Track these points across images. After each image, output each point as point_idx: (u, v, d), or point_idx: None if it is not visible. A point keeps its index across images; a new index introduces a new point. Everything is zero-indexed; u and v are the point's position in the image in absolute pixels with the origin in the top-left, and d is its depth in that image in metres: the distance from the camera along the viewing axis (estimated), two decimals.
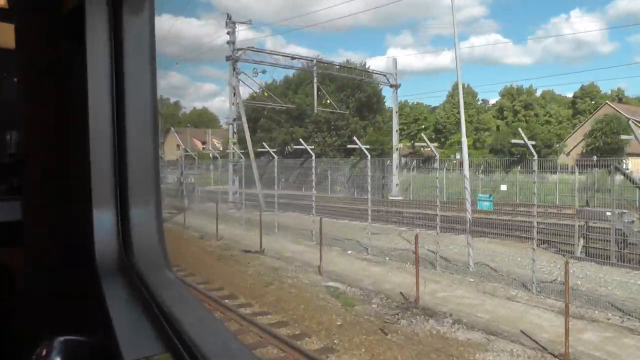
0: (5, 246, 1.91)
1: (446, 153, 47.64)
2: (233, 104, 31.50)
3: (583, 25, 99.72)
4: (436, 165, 17.40)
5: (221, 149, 56.40)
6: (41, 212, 1.76)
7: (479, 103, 66.10)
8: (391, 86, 36.38)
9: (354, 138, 21.19)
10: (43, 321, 1.58)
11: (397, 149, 35.45)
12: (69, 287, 1.59)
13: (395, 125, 35.89)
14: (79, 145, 1.46)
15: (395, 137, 35.73)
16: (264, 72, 32.15)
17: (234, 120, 31.82)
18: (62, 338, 1.08)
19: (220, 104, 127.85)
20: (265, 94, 38.94)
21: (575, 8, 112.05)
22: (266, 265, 14.44)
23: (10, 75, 2.56)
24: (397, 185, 33.63)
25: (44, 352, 1.04)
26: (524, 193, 26.95)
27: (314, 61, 35.35)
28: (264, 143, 26.83)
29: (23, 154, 1.89)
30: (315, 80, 34.48)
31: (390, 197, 31.36)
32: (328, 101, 37.24)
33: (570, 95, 67.40)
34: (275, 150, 26.88)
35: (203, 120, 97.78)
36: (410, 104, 66.53)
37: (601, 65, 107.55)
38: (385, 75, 37.20)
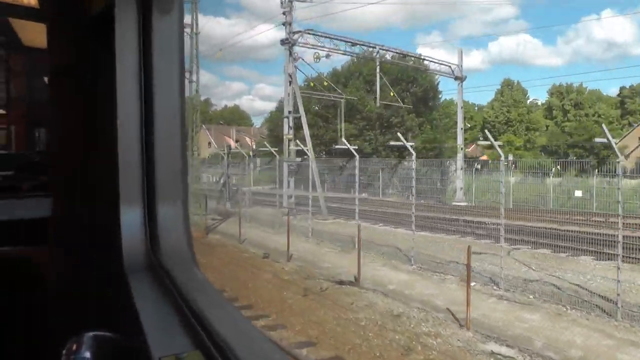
0: (33, 243, 1.94)
1: (495, 154, 43.44)
2: (289, 94, 27.54)
3: (615, 26, 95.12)
4: (498, 167, 16.13)
5: (254, 147, 55.49)
6: (69, 209, 1.78)
7: (528, 101, 62.86)
8: (456, 78, 32.25)
9: (398, 134, 19.43)
10: (71, 318, 1.59)
11: (461, 149, 31.83)
12: (97, 285, 1.61)
13: (460, 122, 32.25)
14: (107, 144, 1.48)
15: (460, 135, 32.10)
16: (327, 56, 27.70)
17: (290, 112, 27.76)
18: (91, 333, 1.09)
19: (248, 103, 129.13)
20: (325, 83, 34.19)
21: (606, 8, 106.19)
22: (378, 309, 10.15)
23: (40, 75, 2.60)
24: (461, 189, 30.07)
25: (74, 347, 1.05)
26: (601, 200, 23.24)
27: (376, 48, 30.68)
28: (297, 141, 24.72)
29: (51, 151, 1.84)
30: (378, 70, 29.85)
31: (453, 203, 28.03)
32: (392, 94, 32.97)
33: (612, 94, 64.12)
34: (321, 149, 26.41)
35: (234, 117, 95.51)
36: (455, 102, 63.47)
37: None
38: (449, 66, 32.44)
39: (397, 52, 32.35)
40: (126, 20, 1.41)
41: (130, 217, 1.42)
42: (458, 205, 26.53)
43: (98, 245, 1.62)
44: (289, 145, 26.88)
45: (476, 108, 66.91)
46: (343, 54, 29.73)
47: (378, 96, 30.52)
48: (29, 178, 2.41)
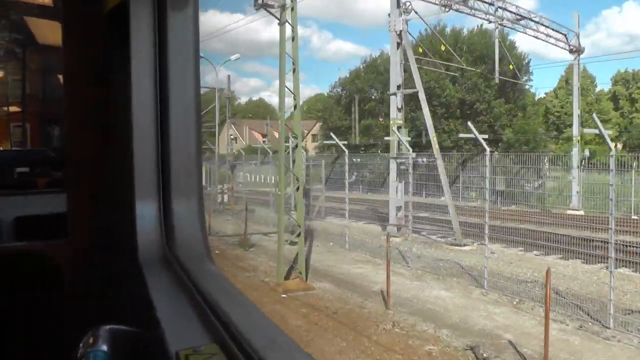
0: (50, 238, 1.96)
1: (562, 148, 35.22)
2: (401, 62, 18.53)
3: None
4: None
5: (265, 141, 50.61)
6: (84, 204, 1.79)
7: (597, 89, 52.76)
8: (571, 51, 24.55)
9: (468, 124, 14.29)
10: (88, 312, 1.61)
11: (577, 142, 24.30)
12: (113, 279, 1.62)
13: (577, 108, 24.66)
14: (122, 140, 1.49)
15: (576, 123, 24.51)
16: (447, 9, 19.13)
17: (398, 87, 18.75)
18: (108, 327, 1.09)
19: (267, 99, 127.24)
20: (442, 47, 25.78)
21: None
22: None
23: (55, 72, 2.62)
24: (577, 193, 22.19)
25: (91, 341, 1.06)
26: None
27: (499, 10, 21.63)
28: (341, 136, 21.46)
29: (67, 148, 1.86)
30: (497, 35, 22.83)
31: (568, 211, 20.48)
32: (511, 66, 25.95)
33: None
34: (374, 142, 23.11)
35: (260, 112, 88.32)
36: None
37: None
38: (565, 35, 24.05)
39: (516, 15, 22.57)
40: (141, 15, 1.42)
41: (146, 212, 1.43)
42: (573, 215, 19.10)
43: (114, 239, 1.63)
44: (398, 134, 17.80)
45: (536, 96, 54.68)
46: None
47: (497, 70, 23.02)
48: (45, 174, 2.44)
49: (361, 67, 43.59)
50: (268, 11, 14.04)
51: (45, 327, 1.84)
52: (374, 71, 40.21)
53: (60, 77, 2.58)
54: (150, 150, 1.43)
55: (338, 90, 46.57)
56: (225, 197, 28.52)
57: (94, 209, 1.76)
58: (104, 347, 1.05)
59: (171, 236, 1.42)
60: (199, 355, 0.89)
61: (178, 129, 1.42)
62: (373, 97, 42.12)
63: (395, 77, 18.97)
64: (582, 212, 20.23)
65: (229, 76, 32.73)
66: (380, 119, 33.22)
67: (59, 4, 2.14)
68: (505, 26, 23.17)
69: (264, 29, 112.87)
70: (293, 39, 13.24)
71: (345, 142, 19.93)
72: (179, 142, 1.43)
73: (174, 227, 1.42)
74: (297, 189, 13.21)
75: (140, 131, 1.42)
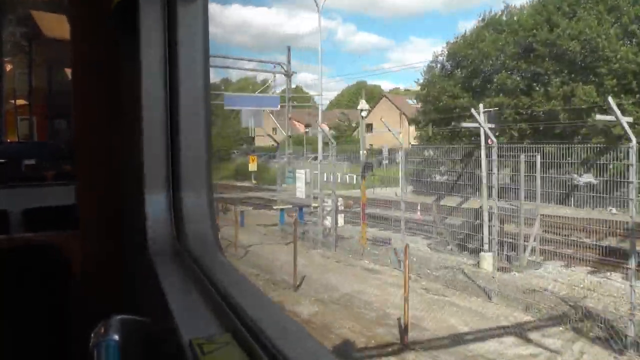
0: (61, 229, 2.01)
1: None
2: None
3: None
4: None
5: (332, 132, 40.29)
6: (95, 196, 1.81)
7: None
8: None
9: (609, 99, 8.74)
10: (100, 302, 1.62)
11: None
12: (124, 270, 1.64)
13: None
14: (132, 133, 1.50)
15: None
16: None
17: None
18: (119, 316, 1.10)
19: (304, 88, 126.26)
20: None
21: None
22: None
23: (62, 65, 2.63)
24: None
25: (102, 330, 1.07)
26: None
27: None
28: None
29: (77, 140, 1.88)
30: None
31: None
32: None
33: None
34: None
35: (297, 100, 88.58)
36: None
37: None
38: None
39: None
40: (150, 8, 1.42)
41: (156, 204, 1.45)
42: None
43: (125, 231, 1.65)
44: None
45: None
46: None
47: None
48: (57, 166, 2.47)
49: (479, 25, 29.72)
50: None
51: (57, 318, 1.86)
52: (500, 31, 27.34)
53: (68, 70, 2.60)
54: (160, 143, 1.44)
55: (442, 60, 32.35)
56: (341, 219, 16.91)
57: (104, 202, 1.78)
58: (116, 337, 1.06)
59: (181, 228, 1.43)
60: (213, 344, 0.90)
61: (187, 122, 1.43)
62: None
63: None
64: None
65: (289, 48, 27.40)
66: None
67: None
68: None
69: (288, 22, 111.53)
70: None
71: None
72: (189, 135, 1.44)
73: (183, 219, 1.43)
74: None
75: (149, 124, 1.43)
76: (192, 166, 1.45)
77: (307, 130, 54.26)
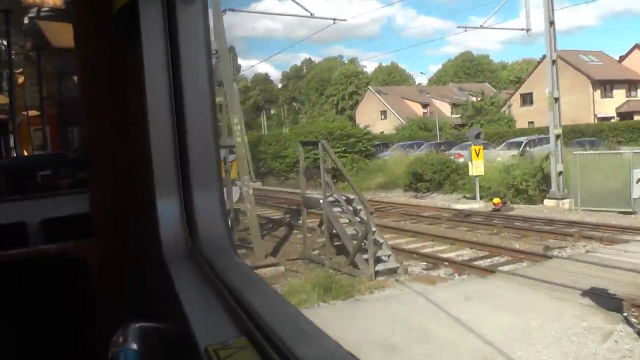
0: (77, 238, 2.01)
1: None
2: None
3: None
4: None
5: (459, 116, 34.39)
6: (107, 203, 1.82)
7: None
8: None
9: None
10: (117, 310, 1.62)
11: None
12: (140, 276, 1.64)
13: None
14: (140, 137, 1.50)
15: None
16: None
17: None
18: (137, 325, 1.11)
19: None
20: None
21: None
22: None
23: (69, 74, 2.64)
24: None
25: (121, 339, 1.07)
26: None
27: None
28: None
29: (87, 148, 1.88)
30: None
31: None
32: None
33: None
34: None
35: (394, 79, 73.99)
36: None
37: None
38: None
39: None
40: (151, 12, 1.42)
41: (167, 207, 1.44)
42: None
43: (138, 236, 1.64)
44: None
45: None
46: None
47: None
48: (68, 176, 2.49)
49: None
50: None
51: (77, 327, 1.87)
52: None
53: (75, 78, 2.61)
54: (168, 145, 1.43)
55: None
56: None
57: (116, 208, 1.78)
58: (134, 346, 1.05)
59: (194, 230, 1.42)
60: (229, 349, 0.89)
61: (194, 123, 1.42)
62: None
63: None
64: None
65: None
66: None
67: (70, 6, 2.15)
68: None
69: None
70: None
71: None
72: (196, 135, 1.42)
73: (196, 221, 1.42)
74: None
75: (157, 127, 1.42)
76: (202, 166, 1.44)
77: (424, 111, 43.92)
